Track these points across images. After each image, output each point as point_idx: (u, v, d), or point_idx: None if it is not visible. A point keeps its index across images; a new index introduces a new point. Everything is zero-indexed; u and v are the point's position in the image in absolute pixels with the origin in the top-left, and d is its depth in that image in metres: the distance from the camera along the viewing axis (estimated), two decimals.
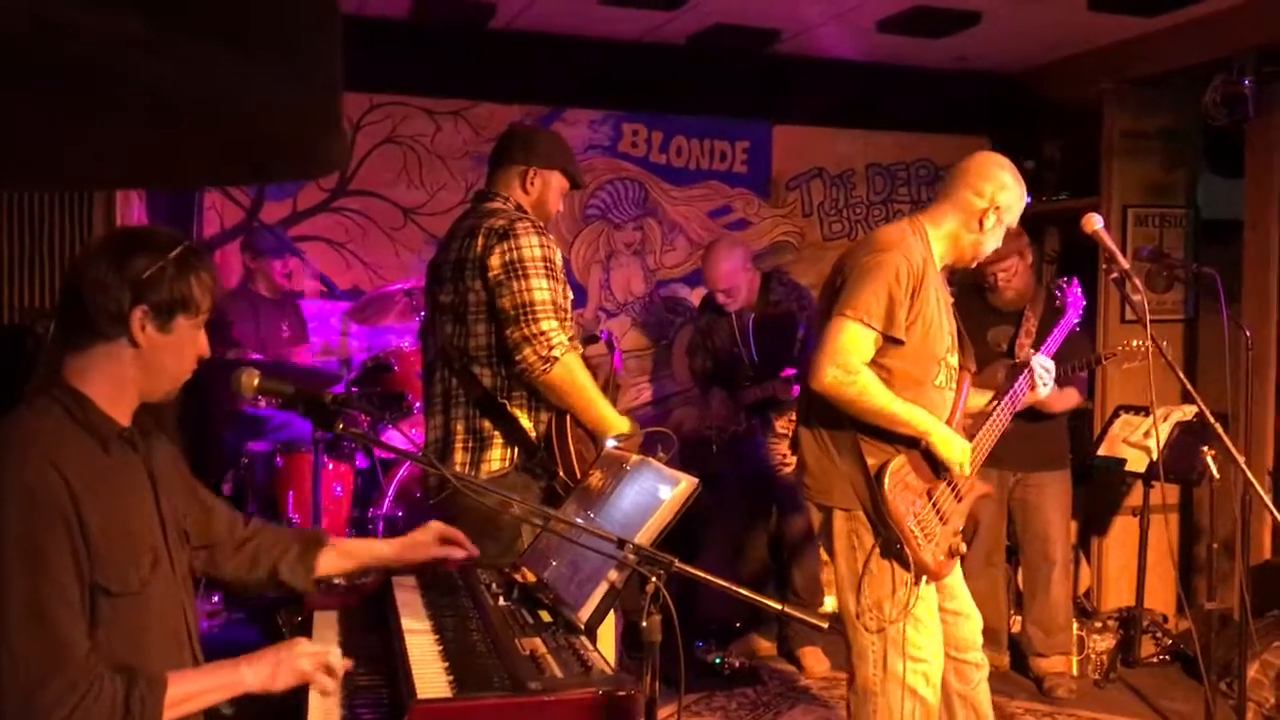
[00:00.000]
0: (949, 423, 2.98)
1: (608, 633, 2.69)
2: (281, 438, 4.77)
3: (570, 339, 2.99)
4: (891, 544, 2.86)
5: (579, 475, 2.94)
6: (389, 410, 4.75)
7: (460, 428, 3.07)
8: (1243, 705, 3.74)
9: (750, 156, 6.06)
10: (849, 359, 2.81)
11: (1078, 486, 4.68)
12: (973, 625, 3.13)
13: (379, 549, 2.46)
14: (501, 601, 2.24)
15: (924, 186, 6.31)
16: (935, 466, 2.93)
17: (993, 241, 3.02)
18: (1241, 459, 3.31)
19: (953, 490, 2.98)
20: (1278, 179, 4.88)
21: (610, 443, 2.95)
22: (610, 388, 3.18)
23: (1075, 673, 4.60)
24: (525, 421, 3.04)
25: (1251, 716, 3.96)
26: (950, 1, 4.90)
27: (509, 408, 3.03)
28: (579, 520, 2.21)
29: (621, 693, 1.77)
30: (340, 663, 1.89)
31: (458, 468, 3.02)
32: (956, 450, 2.90)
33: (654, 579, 1.80)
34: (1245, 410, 4.52)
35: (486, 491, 2.43)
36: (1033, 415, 4.06)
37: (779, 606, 1.96)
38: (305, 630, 2.28)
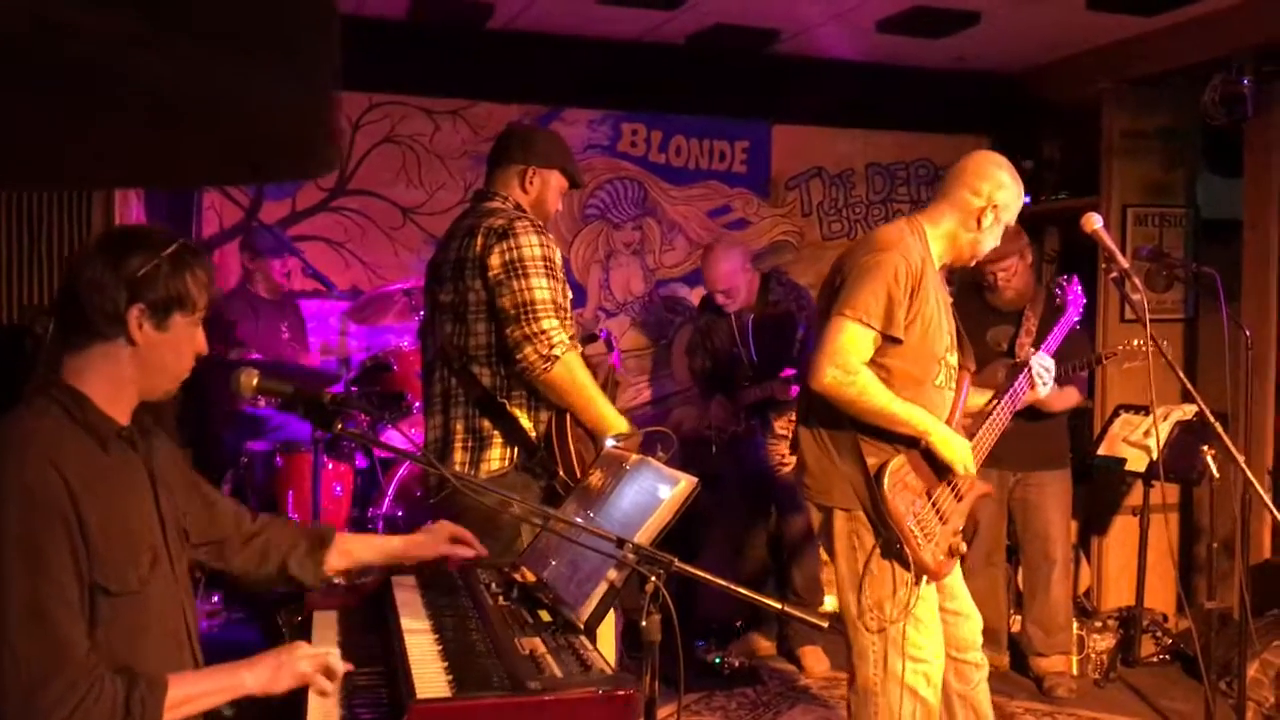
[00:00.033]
0: (949, 422, 2.98)
1: (607, 632, 2.69)
2: (281, 437, 4.77)
3: (570, 338, 2.99)
4: (892, 544, 2.85)
5: (579, 475, 2.93)
6: (388, 410, 4.74)
7: (460, 427, 3.07)
8: (1243, 705, 3.74)
9: (749, 156, 6.06)
10: (848, 359, 2.81)
11: (1078, 486, 4.68)
12: (973, 625, 3.13)
13: (389, 544, 2.46)
14: (501, 601, 2.24)
15: (923, 186, 6.31)
16: (935, 466, 2.93)
17: (991, 240, 3.02)
18: (1241, 458, 3.31)
19: (952, 490, 2.98)
20: (1277, 178, 4.88)
21: (610, 442, 2.94)
22: (610, 385, 3.18)
23: (1075, 672, 4.60)
24: (525, 421, 3.03)
25: (1251, 716, 3.95)
26: (950, 1, 4.90)
27: (509, 407, 3.03)
28: (578, 520, 2.21)
29: (621, 692, 1.76)
30: (340, 665, 1.89)
31: (457, 467, 3.02)
32: (957, 450, 2.90)
33: (654, 578, 1.80)
34: (1245, 410, 4.52)
35: (486, 491, 2.43)
36: (1033, 414, 4.06)
37: (779, 606, 1.96)
38: (305, 630, 2.29)
